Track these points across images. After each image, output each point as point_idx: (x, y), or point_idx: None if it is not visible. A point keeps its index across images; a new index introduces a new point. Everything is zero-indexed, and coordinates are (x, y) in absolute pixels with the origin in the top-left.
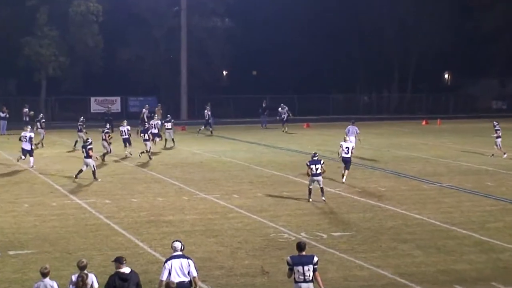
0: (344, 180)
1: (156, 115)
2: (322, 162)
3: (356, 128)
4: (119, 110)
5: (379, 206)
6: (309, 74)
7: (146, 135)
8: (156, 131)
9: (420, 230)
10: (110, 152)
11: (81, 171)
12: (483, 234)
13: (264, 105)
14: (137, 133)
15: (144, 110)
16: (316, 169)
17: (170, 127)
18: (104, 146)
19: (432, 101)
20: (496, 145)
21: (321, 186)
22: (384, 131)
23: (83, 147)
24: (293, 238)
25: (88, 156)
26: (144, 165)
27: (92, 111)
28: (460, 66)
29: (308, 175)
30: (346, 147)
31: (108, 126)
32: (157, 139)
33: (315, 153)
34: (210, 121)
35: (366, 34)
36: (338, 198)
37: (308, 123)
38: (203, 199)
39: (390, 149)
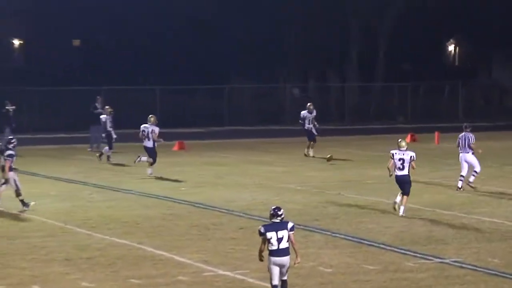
0: (401, 213)
1: None
2: (291, 227)
3: (470, 136)
4: None
5: None
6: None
7: None
8: None
9: None
10: None
11: None
12: None
13: (97, 104)
14: None
15: None
16: (279, 240)
17: None
18: None
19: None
20: None
21: (285, 278)
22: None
23: None
24: None
25: None
26: None
27: None
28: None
29: (260, 254)
30: (399, 159)
31: None
32: None
33: (277, 210)
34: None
35: None
36: None
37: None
38: None
39: None
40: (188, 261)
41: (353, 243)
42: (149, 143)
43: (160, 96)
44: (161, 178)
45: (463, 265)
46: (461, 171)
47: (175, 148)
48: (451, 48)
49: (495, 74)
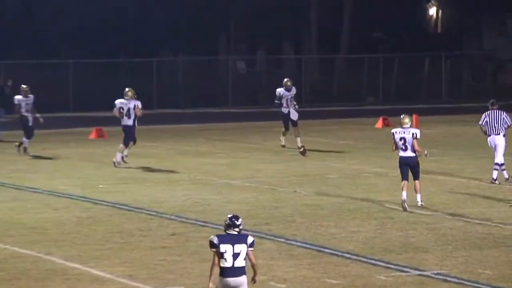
0: (419, 201)
1: None
2: (250, 242)
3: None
4: None
5: None
6: None
7: None
8: None
9: None
10: None
11: None
12: None
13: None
14: None
15: None
16: (235, 256)
17: None
18: None
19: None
20: None
21: None
22: None
23: None
24: None
25: None
26: None
27: None
28: None
29: (212, 273)
30: (401, 139)
31: None
32: None
33: (234, 219)
34: None
35: None
36: None
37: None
38: None
39: None
40: (109, 276)
41: (312, 252)
42: (129, 121)
43: (73, 71)
44: (75, 174)
45: (448, 278)
46: (494, 159)
47: (92, 136)
48: (432, 11)
49: (486, 44)
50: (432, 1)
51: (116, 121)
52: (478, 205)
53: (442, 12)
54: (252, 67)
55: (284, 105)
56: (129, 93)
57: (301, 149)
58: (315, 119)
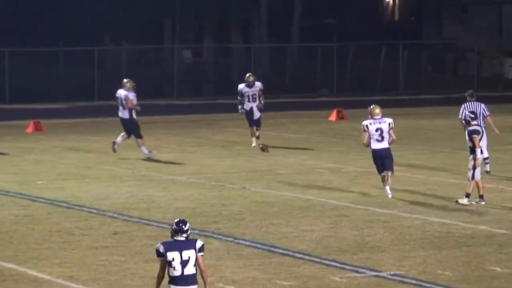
0: (389, 193)
1: None
2: (200, 247)
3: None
4: None
5: None
6: None
7: None
8: None
9: None
10: None
11: None
12: None
13: None
14: None
15: None
16: (184, 264)
17: None
18: None
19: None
20: None
21: None
22: None
23: None
24: None
25: None
26: None
27: None
28: None
29: (159, 283)
30: (377, 130)
31: None
32: None
33: (182, 224)
34: None
35: None
36: None
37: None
38: None
39: None
40: (47, 277)
41: (262, 252)
42: (124, 113)
43: (9, 61)
44: (12, 169)
45: (405, 280)
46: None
47: (30, 129)
48: None
49: (447, 32)
50: None
51: (56, 113)
52: (438, 203)
53: None
54: (199, 57)
55: (247, 101)
56: (127, 84)
57: (261, 146)
58: (265, 111)
